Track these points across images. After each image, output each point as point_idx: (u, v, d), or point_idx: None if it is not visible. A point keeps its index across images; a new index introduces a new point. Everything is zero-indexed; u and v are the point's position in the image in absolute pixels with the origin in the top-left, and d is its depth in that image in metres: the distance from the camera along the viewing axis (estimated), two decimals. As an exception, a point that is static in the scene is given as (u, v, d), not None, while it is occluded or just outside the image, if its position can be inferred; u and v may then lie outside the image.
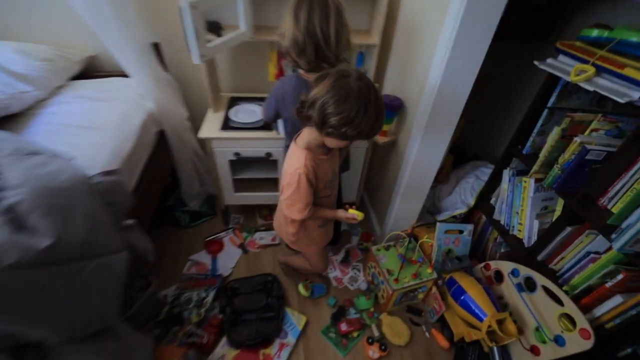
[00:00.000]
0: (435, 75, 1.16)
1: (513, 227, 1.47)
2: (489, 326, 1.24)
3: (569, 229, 1.23)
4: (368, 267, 1.65)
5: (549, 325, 1.21)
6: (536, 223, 1.37)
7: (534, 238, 1.38)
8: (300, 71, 1.10)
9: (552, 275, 1.31)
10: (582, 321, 1.09)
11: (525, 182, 1.39)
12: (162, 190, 1.74)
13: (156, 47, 1.53)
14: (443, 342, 1.44)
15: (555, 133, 1.16)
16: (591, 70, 0.99)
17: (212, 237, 1.84)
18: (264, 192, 1.76)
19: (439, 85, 1.15)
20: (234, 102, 1.69)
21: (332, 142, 0.92)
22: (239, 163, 1.66)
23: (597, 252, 1.17)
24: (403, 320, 1.50)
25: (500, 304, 1.38)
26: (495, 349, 1.29)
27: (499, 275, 1.44)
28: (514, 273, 1.36)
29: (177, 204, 1.93)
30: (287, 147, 1.28)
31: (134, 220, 1.10)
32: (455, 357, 1.41)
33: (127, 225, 1.08)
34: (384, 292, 1.50)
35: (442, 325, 1.49)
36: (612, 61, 0.94)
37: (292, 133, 1.22)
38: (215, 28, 1.43)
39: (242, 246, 1.81)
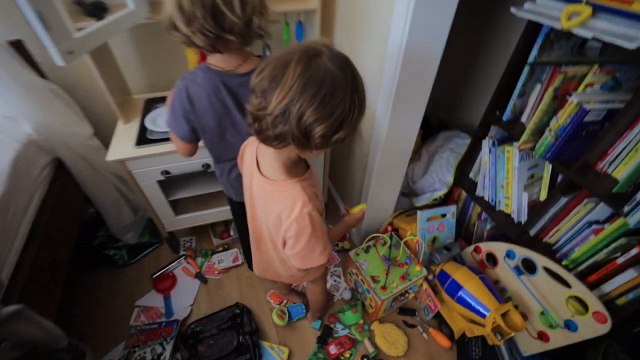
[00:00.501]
0: (398, 37, 0.90)
1: (499, 202, 1.32)
2: (494, 322, 1.09)
3: (564, 200, 1.09)
4: (349, 273, 1.45)
5: (556, 309, 1.08)
6: (525, 196, 1.22)
7: (524, 212, 1.24)
8: (209, 61, 0.79)
9: (548, 250, 1.18)
10: (595, 304, 0.97)
11: (508, 152, 1.22)
12: (81, 230, 1.37)
13: (18, 46, 1.11)
14: (443, 342, 1.30)
15: (547, 95, 0.97)
16: (586, 10, 0.78)
17: (161, 271, 1.52)
18: (211, 208, 1.46)
19: (404, 49, 0.90)
20: (150, 105, 1.33)
21: (315, 153, 0.62)
22: (172, 181, 1.33)
23: (597, 222, 1.03)
24: (397, 326, 1.34)
25: (497, 289, 1.25)
26: (502, 346, 1.16)
27: (491, 258, 1.30)
28: (509, 255, 1.21)
29: (109, 240, 1.56)
30: (221, 174, 1.00)
31: (19, 305, 0.77)
32: (458, 355, 1.28)
33: (8, 314, 0.75)
34: (371, 301, 1.31)
35: (440, 321, 1.35)
36: (614, -5, 0.74)
37: (220, 150, 0.92)
38: (96, 10, 1.04)
39: (199, 275, 1.51)
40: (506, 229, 1.29)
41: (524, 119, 1.17)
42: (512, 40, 1.07)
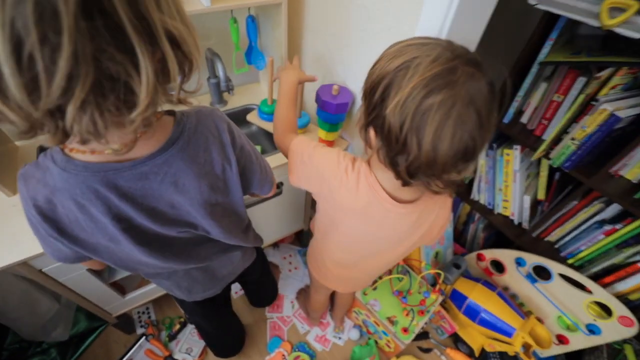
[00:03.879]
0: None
1: (497, 205, 1.24)
2: (525, 343, 1.04)
3: (574, 203, 1.04)
4: (354, 312, 1.27)
5: (575, 313, 1.07)
6: (527, 199, 1.16)
7: (526, 215, 1.18)
8: (70, 144, 0.42)
9: (551, 249, 1.15)
10: (621, 309, 0.95)
11: (507, 154, 1.12)
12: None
13: None
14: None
15: (577, 101, 0.86)
16: (634, 5, 0.65)
17: (115, 364, 1.16)
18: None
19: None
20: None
21: None
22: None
23: (606, 222, 1.01)
24: (415, 357, 1.23)
25: (509, 296, 1.20)
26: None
27: (497, 265, 1.24)
28: (520, 263, 1.16)
29: (26, 347, 1.12)
30: (163, 280, 0.72)
31: None
32: (480, 370, 1.23)
33: None
34: (389, 342, 1.16)
35: (455, 339, 1.27)
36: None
37: (147, 270, 0.64)
38: None
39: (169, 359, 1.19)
40: (505, 231, 1.24)
41: (524, 119, 1.07)
42: (515, 34, 0.93)
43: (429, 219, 0.66)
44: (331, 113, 0.88)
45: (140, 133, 0.42)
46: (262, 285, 1.10)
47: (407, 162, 0.47)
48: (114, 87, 0.31)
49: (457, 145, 0.43)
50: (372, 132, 0.51)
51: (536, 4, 0.79)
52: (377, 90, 0.47)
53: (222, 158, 0.52)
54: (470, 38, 0.67)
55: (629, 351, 1.07)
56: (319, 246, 0.83)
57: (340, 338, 1.29)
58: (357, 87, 0.93)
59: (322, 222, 0.76)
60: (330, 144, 1.02)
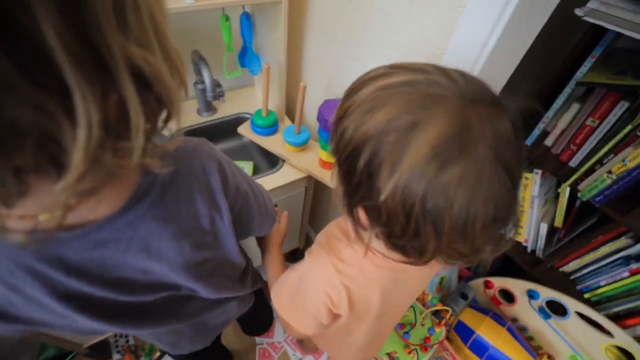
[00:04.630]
0: (468, 54, 0.54)
1: (510, 230, 1.14)
2: (535, 386, 0.96)
3: (597, 235, 0.95)
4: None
5: (591, 354, 0.99)
6: (544, 227, 1.06)
7: (541, 243, 1.09)
8: None
9: (566, 280, 1.07)
10: (644, 357, 0.87)
11: (527, 178, 1.02)
12: None
13: None
14: (467, 397, 1.15)
15: (622, 132, 0.75)
16: None
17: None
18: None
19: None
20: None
21: None
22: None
23: (629, 257, 0.92)
24: (414, 390, 1.14)
25: (516, 328, 1.12)
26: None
27: (505, 294, 1.15)
28: (533, 296, 1.07)
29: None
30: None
31: None
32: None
33: None
34: (388, 378, 1.07)
35: (457, 371, 1.19)
36: None
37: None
38: None
39: (148, 389, 1.09)
40: (516, 258, 1.14)
41: (548, 142, 0.96)
42: (552, 47, 0.81)
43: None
44: (335, 133, 0.76)
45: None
46: (257, 317, 0.99)
47: (422, 250, 0.35)
48: (26, 143, 0.19)
49: (493, 214, 0.31)
50: (361, 214, 0.37)
51: (583, 16, 0.66)
52: (357, 160, 0.33)
53: (209, 208, 0.41)
54: (515, 55, 0.55)
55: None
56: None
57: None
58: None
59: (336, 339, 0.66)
60: (330, 165, 0.90)
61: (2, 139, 0.18)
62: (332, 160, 0.88)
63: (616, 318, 0.96)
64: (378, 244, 0.43)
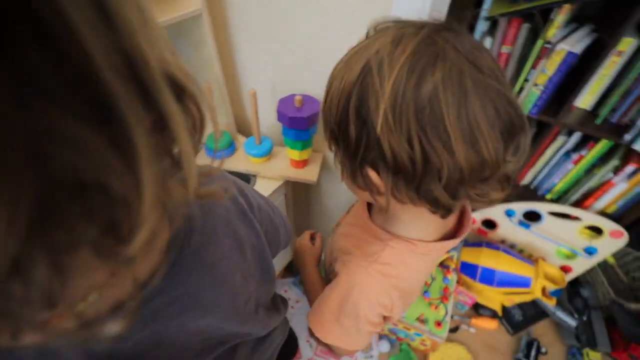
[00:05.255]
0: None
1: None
2: (543, 286, 1.07)
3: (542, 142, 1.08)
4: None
5: (571, 242, 1.13)
6: (496, 151, 1.18)
7: (499, 166, 1.21)
8: None
9: (529, 191, 1.21)
10: (609, 225, 1.02)
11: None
12: None
13: None
14: (491, 324, 1.24)
15: (536, 47, 0.86)
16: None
17: None
18: None
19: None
20: None
21: None
22: None
23: (568, 152, 1.07)
24: (449, 343, 1.19)
25: (507, 246, 1.24)
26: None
27: (487, 222, 1.26)
28: (510, 214, 1.19)
29: None
30: None
31: None
32: (506, 326, 1.25)
33: None
34: (424, 341, 1.10)
35: (475, 307, 1.27)
36: None
37: None
38: None
39: None
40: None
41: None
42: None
43: None
44: (303, 129, 0.74)
45: None
46: (283, 347, 0.93)
47: (444, 181, 0.32)
48: (75, 207, 0.13)
49: (497, 117, 0.31)
50: (371, 173, 0.36)
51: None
52: (348, 118, 0.34)
53: (247, 232, 0.37)
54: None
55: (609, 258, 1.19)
56: None
57: (372, 356, 1.18)
58: (321, 89, 0.80)
59: None
60: (304, 163, 0.88)
61: (54, 198, 0.12)
62: (304, 157, 0.87)
63: (576, 204, 1.12)
64: (415, 231, 0.44)
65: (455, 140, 0.30)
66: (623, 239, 1.03)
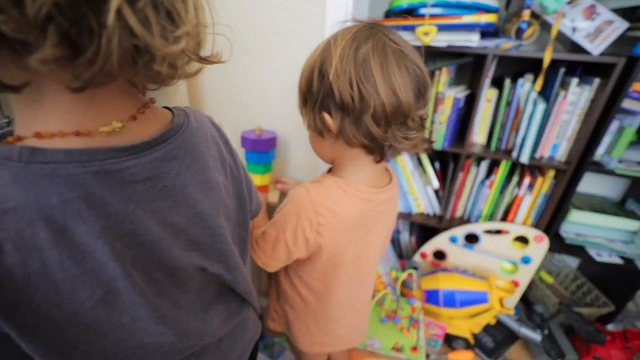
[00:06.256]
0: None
1: (412, 206, 1.43)
2: (499, 297, 1.14)
3: (460, 175, 1.33)
4: None
5: (508, 254, 1.27)
6: (430, 189, 1.39)
7: (435, 203, 1.40)
8: (42, 128, 0.27)
9: (464, 221, 1.40)
10: (531, 231, 1.21)
11: (401, 161, 1.36)
12: None
13: None
14: (467, 356, 1.21)
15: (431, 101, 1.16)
16: (434, 29, 1.01)
17: None
18: None
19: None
20: None
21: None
22: None
23: (482, 180, 1.32)
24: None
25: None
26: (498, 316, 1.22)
27: (438, 254, 1.38)
28: (454, 240, 1.33)
29: None
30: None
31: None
32: (483, 356, 1.23)
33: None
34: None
35: (448, 340, 1.26)
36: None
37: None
38: None
39: None
40: (427, 223, 1.41)
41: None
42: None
43: (395, 196, 0.68)
44: (264, 150, 0.87)
45: (140, 109, 0.32)
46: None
47: (374, 116, 0.48)
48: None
49: (408, 75, 0.48)
50: (326, 116, 0.51)
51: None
52: (312, 78, 0.51)
53: (229, 154, 0.46)
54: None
55: (543, 273, 1.35)
56: (318, 316, 0.72)
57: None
58: (275, 123, 0.98)
59: (315, 289, 0.68)
60: (265, 189, 0.98)
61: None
62: (265, 182, 0.96)
63: (501, 221, 1.31)
64: (353, 174, 0.57)
65: (379, 84, 0.47)
66: (545, 242, 1.20)
